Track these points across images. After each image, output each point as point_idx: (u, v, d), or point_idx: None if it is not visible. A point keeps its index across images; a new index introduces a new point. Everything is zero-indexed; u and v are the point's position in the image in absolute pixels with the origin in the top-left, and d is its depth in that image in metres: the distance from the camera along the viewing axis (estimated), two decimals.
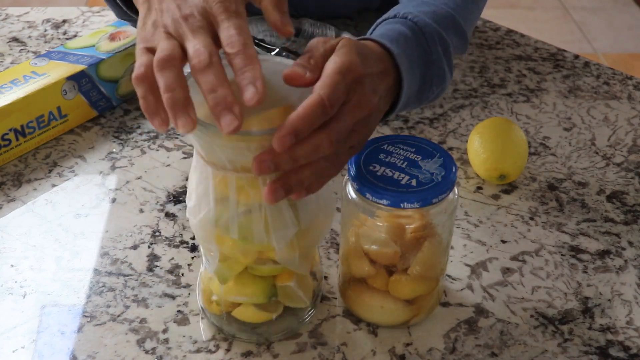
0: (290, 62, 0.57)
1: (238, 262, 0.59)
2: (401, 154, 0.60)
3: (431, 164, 0.59)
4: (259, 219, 0.55)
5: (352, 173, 0.58)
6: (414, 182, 0.57)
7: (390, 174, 0.58)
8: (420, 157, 0.60)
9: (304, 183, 0.53)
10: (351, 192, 0.60)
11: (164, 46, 0.52)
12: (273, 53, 0.96)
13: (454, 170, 0.59)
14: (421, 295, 0.64)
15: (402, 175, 0.58)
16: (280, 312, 0.63)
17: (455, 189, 0.61)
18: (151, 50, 0.54)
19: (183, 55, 0.52)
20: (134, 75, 0.52)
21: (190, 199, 0.58)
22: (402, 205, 0.57)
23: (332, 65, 0.54)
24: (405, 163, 0.59)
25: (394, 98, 0.63)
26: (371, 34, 0.69)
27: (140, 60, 0.53)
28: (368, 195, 0.57)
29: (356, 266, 0.63)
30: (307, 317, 0.65)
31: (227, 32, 0.52)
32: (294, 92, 0.55)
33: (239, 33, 0.52)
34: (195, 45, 0.51)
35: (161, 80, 0.50)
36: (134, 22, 0.86)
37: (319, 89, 0.52)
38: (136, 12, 0.69)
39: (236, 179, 0.54)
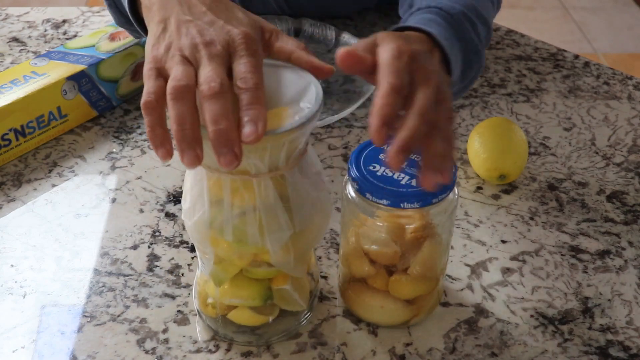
0: (282, 64, 0.58)
1: (233, 265, 0.59)
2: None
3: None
4: (253, 221, 0.55)
5: (352, 173, 0.58)
6: (414, 182, 0.57)
7: (390, 173, 0.58)
8: (419, 157, 0.60)
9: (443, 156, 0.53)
10: (351, 192, 0.60)
11: (180, 74, 0.52)
12: None
13: (454, 170, 0.59)
14: (421, 295, 0.64)
15: (402, 175, 0.58)
16: (277, 315, 0.63)
17: (455, 189, 0.61)
18: (161, 73, 0.53)
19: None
20: (142, 101, 0.51)
21: (185, 201, 0.58)
22: (402, 205, 0.57)
23: (384, 54, 0.55)
24: (405, 163, 0.59)
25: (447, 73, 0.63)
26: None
27: (150, 85, 0.52)
28: (368, 195, 0.57)
29: (356, 266, 0.63)
30: (303, 320, 0.65)
31: (243, 67, 0.52)
32: (286, 95, 0.55)
33: (254, 72, 0.52)
34: (209, 72, 0.51)
35: (174, 111, 0.50)
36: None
37: (383, 78, 0.53)
38: (141, 23, 0.69)
39: (230, 181, 0.54)
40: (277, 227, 0.55)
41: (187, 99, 0.50)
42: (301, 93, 0.54)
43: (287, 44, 0.58)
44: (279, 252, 0.57)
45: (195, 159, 0.49)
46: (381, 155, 0.60)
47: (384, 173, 0.58)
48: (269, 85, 0.55)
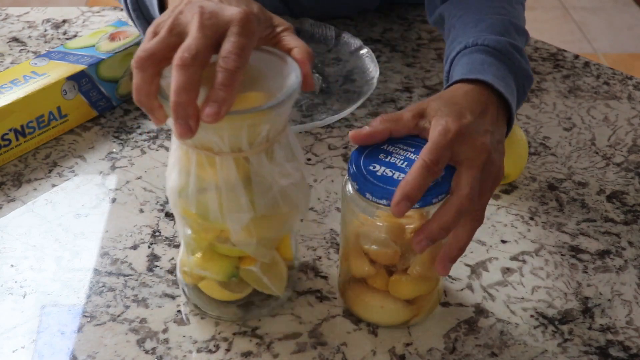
0: (280, 53, 0.58)
1: (202, 237, 0.61)
2: (401, 154, 0.60)
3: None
4: (214, 198, 0.56)
5: (352, 172, 0.58)
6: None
7: (390, 173, 0.58)
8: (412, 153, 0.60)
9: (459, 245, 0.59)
10: (351, 191, 0.60)
11: (156, 42, 0.53)
12: None
13: (448, 179, 0.59)
14: (421, 295, 0.64)
15: (402, 175, 0.58)
16: (248, 295, 0.64)
17: None
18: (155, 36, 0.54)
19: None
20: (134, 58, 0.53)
21: (168, 165, 0.60)
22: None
23: (433, 131, 0.58)
24: (405, 163, 0.59)
25: (506, 117, 0.66)
26: (449, 70, 0.73)
27: (141, 48, 0.54)
28: (368, 195, 0.57)
29: (356, 266, 0.63)
30: (276, 307, 0.66)
31: (230, 46, 0.52)
32: (268, 82, 0.55)
33: (238, 54, 0.52)
34: (189, 42, 0.52)
35: (134, 80, 0.53)
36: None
37: (422, 154, 0.56)
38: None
39: (196, 155, 0.55)
40: (237, 208, 0.56)
41: (145, 70, 0.53)
42: (282, 84, 0.55)
43: (291, 42, 0.58)
44: (241, 233, 0.58)
45: (187, 131, 0.51)
46: (381, 155, 0.60)
47: (384, 173, 0.58)
48: (256, 69, 0.56)
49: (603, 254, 0.74)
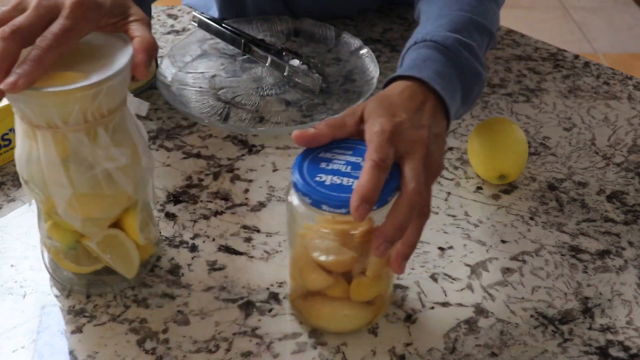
0: (128, 39, 0.60)
1: (44, 204, 0.63)
2: (341, 159, 0.59)
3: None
4: (38, 168, 0.59)
5: (302, 187, 0.57)
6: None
7: (338, 181, 0.57)
8: (361, 159, 0.59)
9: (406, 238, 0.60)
10: (296, 203, 0.59)
11: (22, 18, 0.56)
12: (273, 52, 0.96)
13: (396, 175, 0.58)
14: (379, 294, 0.64)
15: (351, 179, 0.57)
16: (100, 270, 0.66)
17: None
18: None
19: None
20: None
21: None
22: (348, 211, 0.56)
23: (367, 132, 0.59)
24: (349, 167, 0.58)
25: (444, 112, 0.66)
26: (401, 65, 0.72)
27: None
28: (325, 207, 0.56)
29: (313, 280, 0.62)
30: (124, 288, 0.68)
31: (53, 28, 0.55)
32: (96, 66, 0.57)
33: (58, 35, 0.55)
34: (17, 19, 0.55)
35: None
36: None
37: (368, 155, 0.57)
38: None
39: (20, 124, 0.58)
40: (58, 183, 0.59)
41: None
42: (111, 68, 0.57)
43: (136, 32, 0.59)
44: (65, 208, 0.60)
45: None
46: (322, 163, 0.59)
47: (333, 181, 0.57)
48: (96, 51, 0.58)
49: (603, 254, 0.74)
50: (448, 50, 0.70)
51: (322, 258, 0.60)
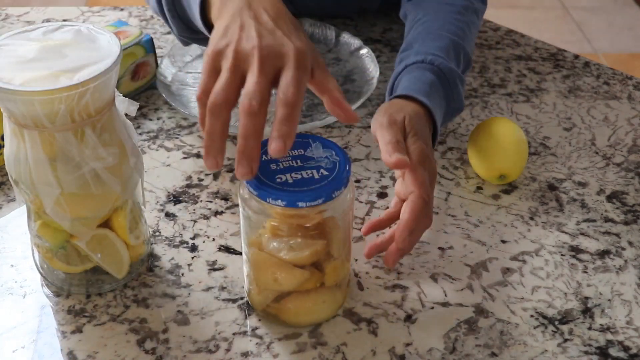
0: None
1: (34, 203, 0.63)
2: (288, 154, 0.60)
3: (316, 150, 0.61)
4: (26, 168, 0.59)
5: (267, 190, 0.57)
6: (317, 175, 0.58)
7: (300, 176, 0.58)
8: (303, 150, 0.61)
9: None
10: (254, 205, 0.59)
11: (221, 85, 0.56)
12: None
13: (347, 167, 0.59)
14: (345, 276, 0.65)
15: (311, 171, 0.58)
16: (91, 270, 0.67)
17: (351, 189, 0.61)
18: (216, 68, 0.58)
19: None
20: (197, 94, 0.58)
21: None
22: (298, 204, 0.57)
23: (419, 179, 0.67)
24: (298, 161, 0.59)
25: (431, 130, 0.76)
26: (399, 74, 0.80)
27: (204, 82, 0.58)
28: (301, 203, 0.57)
29: (289, 279, 0.61)
30: (114, 286, 0.68)
31: (289, 80, 0.55)
32: (84, 65, 0.57)
33: (298, 88, 0.55)
34: (253, 86, 0.55)
35: (208, 123, 0.56)
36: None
37: (419, 191, 0.66)
38: (208, 28, 0.72)
39: (8, 123, 0.59)
40: (45, 182, 0.59)
41: (221, 115, 0.56)
42: (97, 68, 0.57)
43: (327, 81, 0.60)
44: (54, 207, 0.60)
45: (214, 165, 0.56)
46: (272, 165, 0.59)
47: (295, 178, 0.58)
48: (75, 50, 0.59)
49: (603, 254, 0.74)
50: (449, 84, 0.79)
51: (294, 255, 0.60)
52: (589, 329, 0.66)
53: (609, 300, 0.69)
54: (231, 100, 0.56)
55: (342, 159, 0.60)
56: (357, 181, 0.82)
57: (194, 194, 0.80)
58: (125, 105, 0.64)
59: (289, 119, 0.54)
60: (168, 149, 0.86)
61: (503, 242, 0.75)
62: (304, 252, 0.60)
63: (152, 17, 1.14)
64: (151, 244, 0.73)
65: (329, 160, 0.60)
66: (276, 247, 0.60)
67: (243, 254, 0.64)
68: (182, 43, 0.87)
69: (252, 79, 0.55)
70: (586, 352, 0.64)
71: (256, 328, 0.65)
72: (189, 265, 0.71)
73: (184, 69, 0.97)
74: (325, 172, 0.59)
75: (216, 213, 0.77)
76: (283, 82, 0.55)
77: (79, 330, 0.65)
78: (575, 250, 0.74)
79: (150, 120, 0.91)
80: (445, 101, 0.79)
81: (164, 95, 0.90)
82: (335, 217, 0.61)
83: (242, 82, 0.56)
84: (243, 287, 0.69)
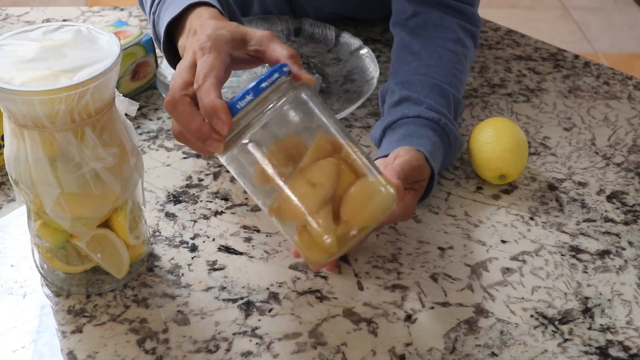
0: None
1: (34, 203, 0.63)
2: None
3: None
4: (26, 168, 0.59)
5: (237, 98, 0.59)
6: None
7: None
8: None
9: None
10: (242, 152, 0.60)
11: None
12: None
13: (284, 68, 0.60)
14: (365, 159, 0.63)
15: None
16: (91, 270, 0.67)
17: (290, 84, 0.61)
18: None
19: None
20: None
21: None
22: (262, 86, 0.58)
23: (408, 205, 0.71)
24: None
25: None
26: (394, 122, 0.80)
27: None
28: (248, 96, 0.58)
29: (328, 175, 0.59)
30: (114, 286, 0.68)
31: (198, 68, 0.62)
32: (87, 67, 0.57)
33: (205, 70, 0.61)
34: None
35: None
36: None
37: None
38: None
39: (8, 123, 0.59)
40: (46, 181, 0.59)
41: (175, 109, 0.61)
42: (97, 68, 0.57)
43: (276, 51, 0.63)
44: (53, 207, 0.60)
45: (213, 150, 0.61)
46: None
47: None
48: (75, 51, 0.59)
49: (603, 254, 0.74)
50: (447, 138, 0.79)
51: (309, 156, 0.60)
52: (589, 329, 0.66)
53: (609, 300, 0.69)
54: (177, 96, 0.61)
55: (272, 69, 0.60)
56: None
57: (194, 194, 0.80)
58: (125, 105, 0.64)
59: (203, 97, 0.59)
60: (168, 149, 0.86)
61: (503, 242, 0.75)
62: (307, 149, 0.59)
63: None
64: (151, 244, 0.73)
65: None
66: (276, 158, 0.60)
67: (273, 220, 0.62)
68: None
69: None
70: (586, 352, 0.64)
71: (256, 328, 0.65)
72: (189, 265, 0.71)
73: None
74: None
75: (216, 213, 0.77)
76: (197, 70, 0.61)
77: (79, 330, 0.65)
78: (575, 250, 0.74)
79: (150, 120, 0.91)
80: (444, 153, 0.79)
81: (163, 95, 0.90)
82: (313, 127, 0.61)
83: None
84: (244, 287, 0.69)
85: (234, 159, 0.60)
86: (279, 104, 0.59)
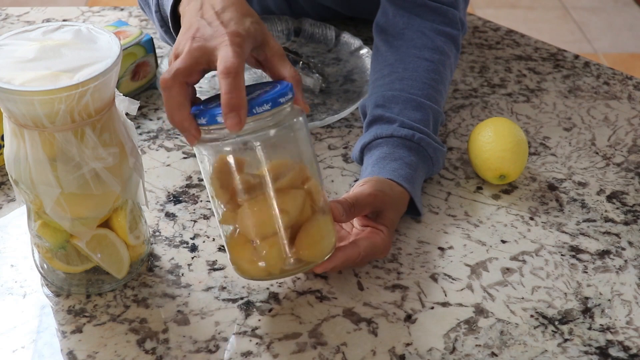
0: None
1: (34, 203, 0.63)
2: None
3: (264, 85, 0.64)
4: (26, 168, 0.60)
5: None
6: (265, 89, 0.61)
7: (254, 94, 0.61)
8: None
9: None
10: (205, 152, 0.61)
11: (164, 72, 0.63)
12: None
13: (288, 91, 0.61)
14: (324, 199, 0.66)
15: (259, 91, 0.61)
16: (91, 270, 0.67)
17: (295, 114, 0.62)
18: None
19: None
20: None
21: None
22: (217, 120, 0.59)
23: (374, 238, 0.69)
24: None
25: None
26: (369, 143, 0.79)
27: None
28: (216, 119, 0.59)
29: (294, 205, 0.62)
30: (114, 286, 0.68)
31: (224, 53, 0.60)
32: (87, 67, 0.58)
33: (235, 58, 0.59)
34: (169, 67, 0.61)
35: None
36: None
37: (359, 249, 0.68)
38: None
39: (8, 123, 0.59)
40: (46, 181, 0.59)
41: (167, 91, 0.60)
42: (97, 68, 0.57)
43: (284, 70, 0.64)
44: (53, 206, 0.60)
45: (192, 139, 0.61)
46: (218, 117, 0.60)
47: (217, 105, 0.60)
48: (76, 51, 0.59)
49: (603, 254, 0.74)
50: (428, 154, 0.78)
51: (280, 182, 0.61)
52: (589, 329, 0.66)
53: (609, 300, 0.69)
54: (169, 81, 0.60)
55: (285, 85, 0.61)
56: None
57: (194, 194, 0.80)
58: (125, 104, 0.64)
59: (233, 88, 0.57)
60: (168, 149, 0.86)
61: (503, 242, 0.75)
62: (286, 175, 0.61)
63: None
64: (151, 244, 0.73)
65: (273, 84, 0.63)
66: (247, 178, 0.62)
67: (223, 234, 0.64)
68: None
69: (177, 62, 0.61)
70: (586, 352, 0.64)
71: (256, 328, 0.65)
72: (189, 265, 0.71)
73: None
74: (271, 88, 0.62)
75: None
76: (220, 56, 0.59)
77: (79, 330, 0.65)
78: (575, 250, 0.74)
79: (150, 120, 0.91)
80: (424, 169, 0.79)
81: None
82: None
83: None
84: (244, 287, 0.69)
85: (208, 158, 0.62)
86: (278, 124, 0.60)
